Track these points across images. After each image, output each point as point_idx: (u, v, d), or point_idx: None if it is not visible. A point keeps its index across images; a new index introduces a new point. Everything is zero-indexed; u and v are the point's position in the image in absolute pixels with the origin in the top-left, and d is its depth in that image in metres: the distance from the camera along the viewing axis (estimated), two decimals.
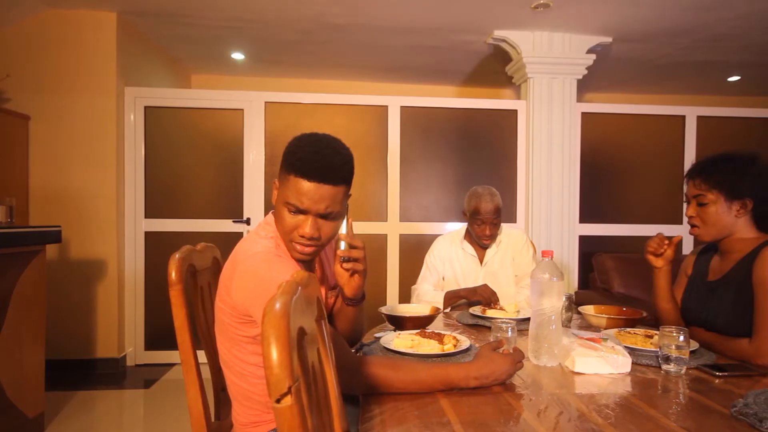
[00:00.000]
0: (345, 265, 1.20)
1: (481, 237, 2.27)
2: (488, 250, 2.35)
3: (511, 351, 1.21)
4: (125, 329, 3.61)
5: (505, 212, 3.96)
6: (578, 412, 1.00)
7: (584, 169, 3.94)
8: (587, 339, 1.31)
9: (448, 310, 2.24)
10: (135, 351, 3.64)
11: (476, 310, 1.92)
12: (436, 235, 2.62)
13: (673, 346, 1.23)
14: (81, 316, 3.44)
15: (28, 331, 2.39)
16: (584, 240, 3.94)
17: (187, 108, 3.67)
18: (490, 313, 1.87)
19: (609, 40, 3.84)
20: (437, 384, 1.08)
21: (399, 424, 0.94)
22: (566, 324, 1.81)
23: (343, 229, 1.21)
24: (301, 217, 1.14)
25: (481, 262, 2.35)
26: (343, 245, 1.19)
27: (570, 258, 3.87)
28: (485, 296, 2.10)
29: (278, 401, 0.50)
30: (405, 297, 3.74)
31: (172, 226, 3.66)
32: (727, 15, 3.43)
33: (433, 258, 2.39)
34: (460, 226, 2.47)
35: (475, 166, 3.91)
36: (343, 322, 1.34)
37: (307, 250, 1.16)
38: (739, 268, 1.44)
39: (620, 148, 4.06)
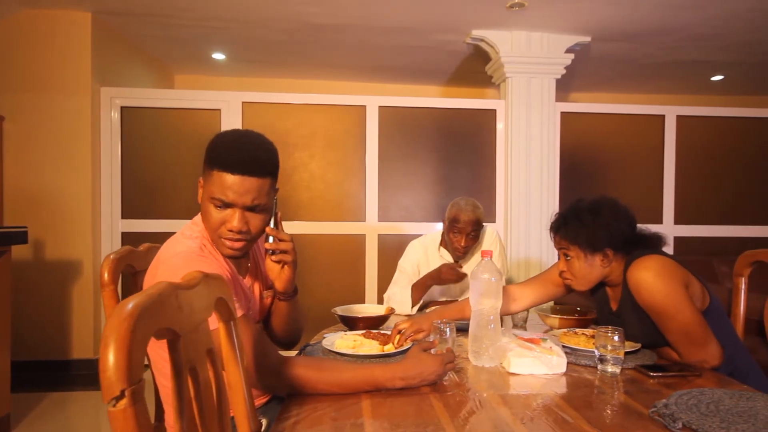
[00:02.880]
0: (273, 257, 1.20)
1: (456, 248, 2.19)
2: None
3: (444, 351, 1.20)
4: (101, 330, 3.59)
5: (485, 212, 3.96)
6: (496, 412, 0.99)
7: (564, 168, 3.93)
8: (526, 339, 1.31)
9: (415, 309, 2.21)
10: None
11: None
12: (416, 236, 2.62)
13: (608, 347, 1.23)
14: (56, 317, 3.43)
15: None
16: None
17: (163, 108, 3.66)
18: None
19: (588, 39, 3.83)
20: (363, 385, 1.08)
21: (311, 427, 0.93)
22: (522, 324, 1.81)
23: (271, 224, 1.21)
24: (228, 211, 1.14)
25: None
26: (271, 239, 1.20)
27: (549, 258, 3.85)
28: (450, 277, 2.07)
29: (112, 405, 0.49)
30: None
31: (150, 226, 3.64)
32: (708, 14, 3.42)
33: (406, 263, 2.35)
34: (436, 231, 2.42)
35: (454, 165, 3.90)
36: (278, 318, 1.34)
37: (237, 245, 1.16)
38: (625, 296, 1.45)
39: (600, 147, 4.05)
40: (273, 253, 1.20)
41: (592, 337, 1.43)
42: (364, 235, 3.80)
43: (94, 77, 3.47)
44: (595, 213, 1.45)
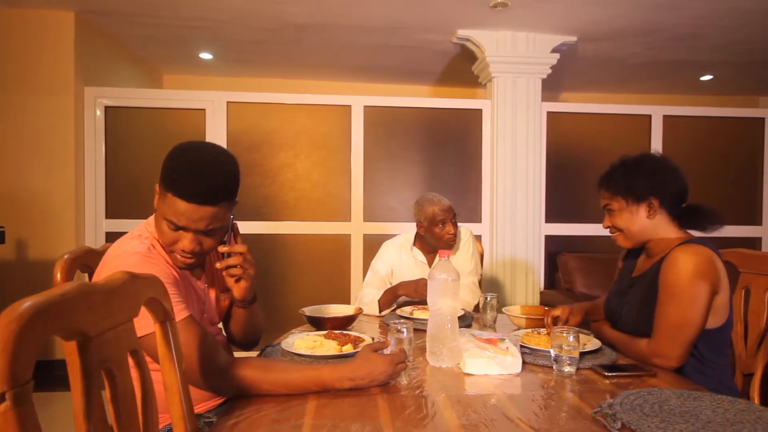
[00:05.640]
0: (224, 273, 1.19)
1: (446, 239, 2.19)
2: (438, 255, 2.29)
3: (397, 352, 1.19)
4: None
5: (470, 212, 3.97)
6: (440, 413, 0.99)
7: (550, 168, 3.91)
8: (483, 340, 1.30)
9: (388, 311, 2.19)
10: None
11: (405, 311, 1.91)
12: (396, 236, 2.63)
13: (563, 346, 1.22)
14: None
15: None
16: (550, 240, 3.92)
17: (148, 108, 3.65)
18: (417, 314, 1.86)
19: (573, 39, 3.82)
20: (310, 385, 1.07)
21: (250, 427, 0.92)
22: (491, 324, 1.81)
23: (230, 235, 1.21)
24: (180, 232, 1.12)
25: (430, 266, 2.31)
26: (223, 256, 1.19)
27: (535, 258, 3.85)
28: (422, 292, 2.05)
29: None
30: None
31: (135, 226, 3.63)
32: (694, 13, 3.40)
33: (379, 264, 2.34)
34: (409, 232, 2.40)
35: (440, 165, 3.89)
36: (236, 323, 1.33)
37: (189, 261, 1.15)
38: (654, 267, 1.43)
39: (586, 147, 4.04)
40: (224, 268, 1.19)
41: None
42: (350, 235, 3.79)
43: (77, 77, 3.46)
44: (639, 162, 1.46)
